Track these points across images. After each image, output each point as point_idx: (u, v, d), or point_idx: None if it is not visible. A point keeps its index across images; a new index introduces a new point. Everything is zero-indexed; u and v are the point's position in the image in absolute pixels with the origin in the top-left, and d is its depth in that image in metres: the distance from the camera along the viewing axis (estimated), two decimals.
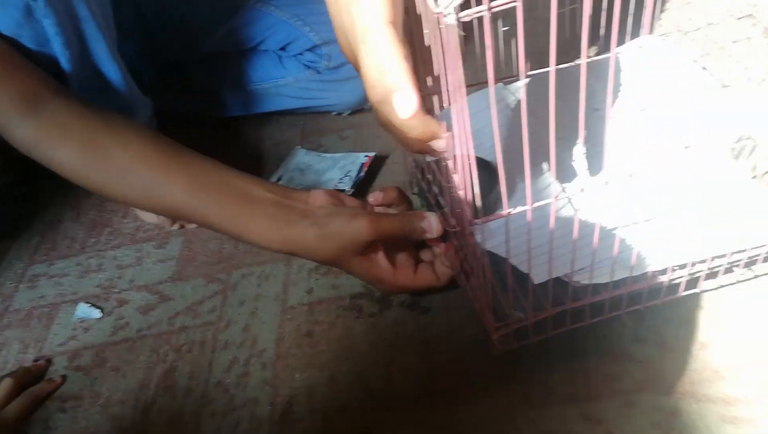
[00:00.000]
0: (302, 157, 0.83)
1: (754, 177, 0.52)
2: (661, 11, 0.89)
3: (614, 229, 0.57)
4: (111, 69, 0.68)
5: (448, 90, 0.38)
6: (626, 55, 0.76)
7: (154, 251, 0.77)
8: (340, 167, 0.78)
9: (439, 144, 0.41)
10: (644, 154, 0.63)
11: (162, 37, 0.88)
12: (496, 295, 0.51)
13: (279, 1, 0.86)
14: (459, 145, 0.38)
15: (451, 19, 0.29)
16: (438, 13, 0.30)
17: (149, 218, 0.80)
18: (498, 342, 0.52)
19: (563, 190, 0.53)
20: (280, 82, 0.87)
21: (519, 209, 0.43)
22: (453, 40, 0.30)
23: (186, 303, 0.70)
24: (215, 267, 0.73)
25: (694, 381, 0.52)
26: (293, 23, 0.85)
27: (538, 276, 0.51)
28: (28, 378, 0.64)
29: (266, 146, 0.89)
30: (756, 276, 0.57)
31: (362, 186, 0.76)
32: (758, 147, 0.51)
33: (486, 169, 0.56)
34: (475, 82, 0.65)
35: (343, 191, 0.74)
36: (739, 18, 0.84)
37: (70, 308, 0.72)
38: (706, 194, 0.56)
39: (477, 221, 0.42)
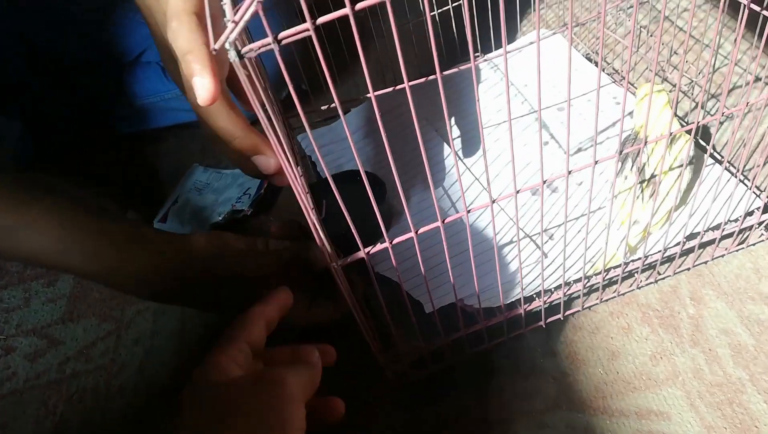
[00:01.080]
0: (200, 175, 0.78)
1: (642, 182, 0.50)
2: (548, 6, 0.88)
3: (504, 247, 0.55)
4: None
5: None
6: (518, 51, 0.74)
7: (42, 289, 0.71)
8: (239, 185, 0.73)
9: (265, 162, 0.38)
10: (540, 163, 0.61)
11: (42, 41, 0.80)
12: (387, 325, 0.48)
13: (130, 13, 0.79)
14: (287, 171, 0.33)
15: (232, 56, 0.25)
16: (213, 50, 0.26)
17: None
18: (392, 373, 0.49)
19: (451, 208, 0.50)
20: (166, 96, 0.81)
21: (399, 238, 0.39)
22: (243, 79, 0.26)
23: (77, 346, 0.64)
24: (108, 304, 0.67)
25: (607, 394, 0.50)
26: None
27: (428, 305, 0.48)
28: None
29: (163, 163, 0.83)
30: (660, 277, 0.56)
31: (262, 205, 0.71)
32: (642, 152, 0.49)
33: (374, 184, 0.52)
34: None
35: (241, 211, 0.69)
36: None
37: None
38: (595, 205, 0.54)
39: (335, 264, 0.38)
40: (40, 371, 0.63)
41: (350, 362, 0.55)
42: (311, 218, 0.35)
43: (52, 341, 0.65)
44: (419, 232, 0.40)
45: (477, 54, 0.76)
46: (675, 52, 0.74)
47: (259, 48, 0.25)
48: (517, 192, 0.39)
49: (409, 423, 0.51)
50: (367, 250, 0.37)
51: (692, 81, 0.67)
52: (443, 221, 0.38)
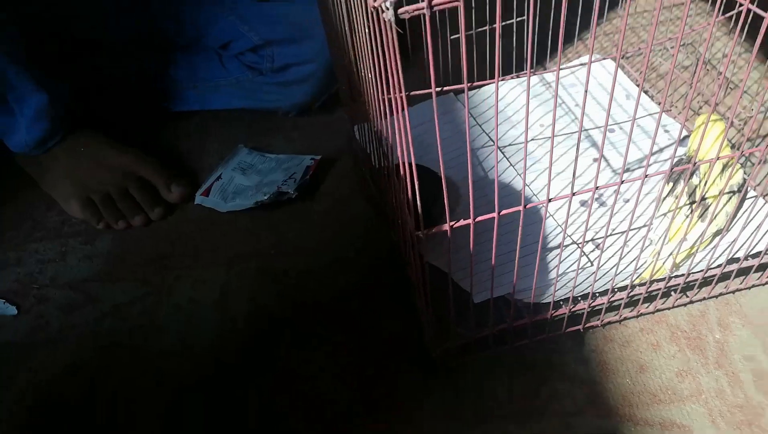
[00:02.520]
0: (245, 156, 0.80)
1: (690, 203, 0.53)
2: (605, 34, 0.91)
3: (556, 249, 0.57)
4: None
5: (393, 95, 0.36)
6: (571, 72, 0.77)
7: (80, 246, 0.72)
8: (285, 169, 0.75)
9: None
10: (593, 175, 0.64)
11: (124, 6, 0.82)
12: (439, 309, 0.50)
13: None
14: (400, 153, 0.36)
15: (389, 15, 0.27)
16: (376, 8, 0.29)
17: (75, 212, 0.75)
18: (438, 357, 0.52)
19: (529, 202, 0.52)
20: (221, 82, 0.84)
21: (461, 222, 0.42)
22: (391, 38, 0.29)
23: (113, 304, 0.65)
24: (148, 268, 0.69)
25: (633, 404, 0.53)
26: (232, 21, 0.81)
27: (479, 295, 0.51)
28: None
29: (209, 142, 0.85)
30: (691, 302, 0.58)
31: (307, 190, 0.74)
32: (696, 175, 0.52)
33: (432, 179, 0.55)
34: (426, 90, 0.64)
35: (286, 193, 0.71)
36: (680, 45, 0.86)
37: None
38: (645, 219, 0.57)
39: (419, 232, 0.41)
40: (75, 323, 0.64)
41: (393, 345, 0.58)
42: (410, 193, 0.37)
43: (87, 296, 0.67)
44: (477, 220, 0.42)
45: (532, 69, 0.79)
46: (730, 88, 0.78)
47: (413, 11, 0.28)
48: (573, 194, 0.42)
49: (451, 412, 0.53)
50: (450, 223, 0.39)
51: (745, 116, 0.71)
52: (525, 206, 0.40)
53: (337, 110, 0.84)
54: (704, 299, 0.59)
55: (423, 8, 0.28)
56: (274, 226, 0.72)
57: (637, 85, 0.76)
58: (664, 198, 0.56)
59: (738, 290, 0.59)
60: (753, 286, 0.59)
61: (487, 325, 0.51)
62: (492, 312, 0.49)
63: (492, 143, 0.71)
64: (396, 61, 0.32)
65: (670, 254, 0.53)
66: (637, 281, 0.53)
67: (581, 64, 0.76)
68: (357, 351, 0.58)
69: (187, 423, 0.55)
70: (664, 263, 0.54)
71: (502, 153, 0.69)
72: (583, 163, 0.66)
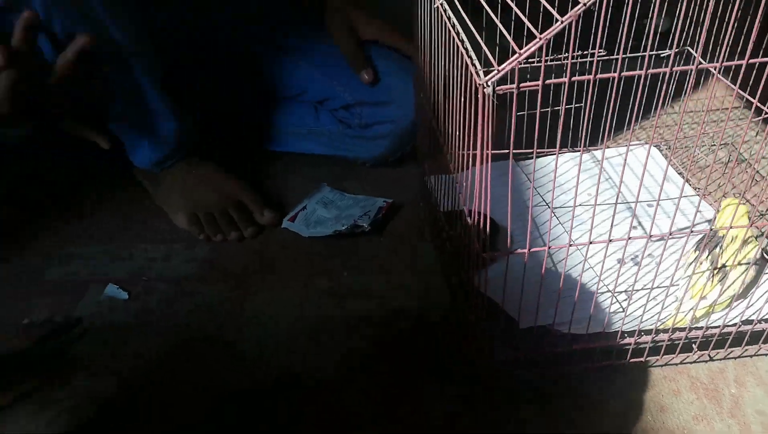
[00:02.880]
0: (327, 193, 0.92)
1: (714, 269, 0.62)
2: (653, 126, 1.02)
3: (593, 288, 0.66)
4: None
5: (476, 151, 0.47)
6: (619, 154, 0.88)
7: (182, 251, 0.85)
8: (361, 207, 0.87)
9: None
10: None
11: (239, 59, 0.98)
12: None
13: (316, 59, 0.96)
14: (476, 199, 0.47)
15: (489, 91, 0.38)
16: (480, 85, 0.40)
17: (182, 223, 0.87)
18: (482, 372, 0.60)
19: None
20: (315, 131, 0.97)
21: (518, 250, 0.52)
22: (489, 108, 0.40)
23: (206, 302, 0.77)
24: (237, 276, 0.80)
25: None
26: (329, 83, 0.96)
27: (525, 322, 0.60)
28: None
29: (295, 178, 0.98)
30: (711, 359, 0.66)
31: (379, 227, 0.85)
32: (719, 246, 0.61)
33: (492, 223, 0.65)
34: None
35: (361, 226, 0.83)
36: (720, 145, 0.96)
37: (100, 287, 0.78)
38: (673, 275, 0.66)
39: (485, 254, 0.51)
40: (172, 313, 0.75)
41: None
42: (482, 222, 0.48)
43: (184, 292, 0.78)
44: (530, 251, 0.52)
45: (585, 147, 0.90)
46: (756, 180, 0.87)
47: (506, 89, 0.39)
48: (610, 241, 0.51)
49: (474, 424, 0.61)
50: (528, 249, 0.50)
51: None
52: (569, 244, 0.50)
53: (407, 164, 0.96)
54: (724, 358, 0.66)
55: (513, 88, 0.39)
56: (346, 253, 0.83)
57: (679, 174, 0.86)
58: (690, 263, 0.65)
59: (756, 354, 0.66)
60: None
61: (527, 348, 0.60)
62: (534, 337, 0.58)
63: (545, 205, 0.81)
64: (490, 125, 0.43)
65: (691, 308, 0.61)
66: (661, 327, 0.61)
67: (619, 154, 0.87)
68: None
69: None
70: (685, 315, 0.62)
71: (554, 214, 0.79)
72: (622, 229, 0.76)
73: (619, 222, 0.77)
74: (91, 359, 0.69)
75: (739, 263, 0.58)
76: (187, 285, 0.79)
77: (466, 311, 0.60)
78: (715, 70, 0.49)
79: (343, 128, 0.97)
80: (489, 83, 0.39)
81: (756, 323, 0.62)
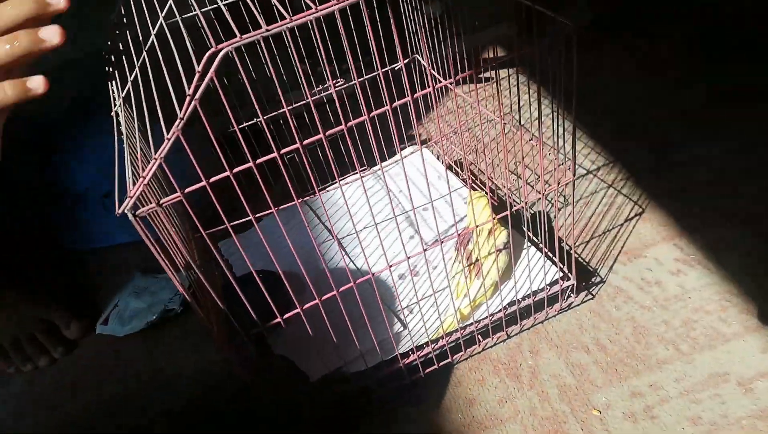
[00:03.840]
0: (139, 280, 0.90)
1: (468, 265, 0.65)
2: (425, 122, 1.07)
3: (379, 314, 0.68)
4: None
5: None
6: (395, 163, 0.91)
7: None
8: (172, 287, 0.86)
9: None
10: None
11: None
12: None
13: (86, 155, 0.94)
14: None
15: (131, 217, 0.39)
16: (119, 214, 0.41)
17: None
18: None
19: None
20: (107, 221, 0.95)
21: (287, 314, 0.53)
22: (140, 231, 0.40)
23: None
24: (52, 408, 0.77)
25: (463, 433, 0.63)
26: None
27: (316, 373, 0.61)
28: None
29: (106, 273, 0.95)
30: (508, 337, 0.70)
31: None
32: (470, 242, 0.65)
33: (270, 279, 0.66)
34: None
35: (172, 309, 0.82)
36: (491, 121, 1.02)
37: None
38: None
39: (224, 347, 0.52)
40: None
41: None
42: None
43: None
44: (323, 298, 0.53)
45: (363, 168, 0.93)
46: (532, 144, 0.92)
47: (147, 210, 0.40)
48: (390, 266, 0.53)
49: None
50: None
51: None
52: (356, 282, 0.52)
53: None
54: (519, 332, 0.70)
55: (154, 207, 0.40)
56: (166, 342, 0.81)
57: (450, 168, 0.90)
58: (453, 264, 0.69)
59: (546, 319, 0.71)
60: (555, 316, 0.71)
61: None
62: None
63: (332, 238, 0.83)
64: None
65: (457, 309, 0.65)
66: (433, 336, 0.64)
67: (396, 161, 0.90)
68: None
69: None
70: (453, 318, 0.65)
71: (340, 245, 0.81)
72: (403, 239, 0.78)
73: (407, 236, 0.80)
74: None
75: (489, 253, 0.62)
76: (6, 428, 0.76)
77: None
78: (452, 85, 0.51)
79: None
80: (127, 211, 0.39)
81: (519, 303, 0.66)
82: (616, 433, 0.60)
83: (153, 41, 0.46)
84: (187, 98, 0.37)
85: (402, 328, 0.67)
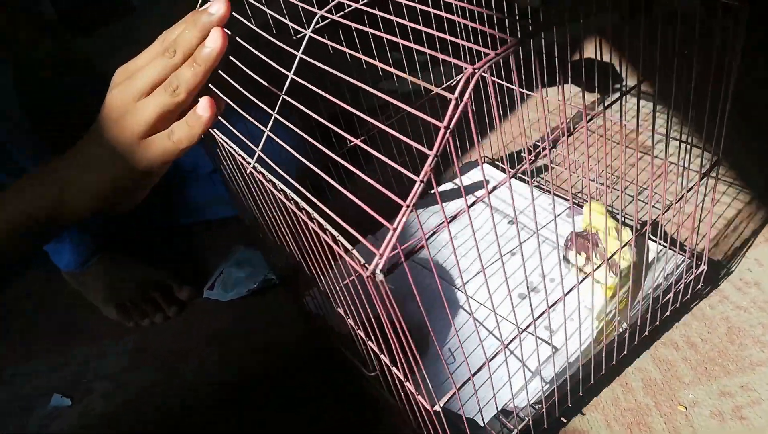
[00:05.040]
0: (242, 253, 0.97)
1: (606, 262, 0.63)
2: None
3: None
4: None
5: None
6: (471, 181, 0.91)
7: (113, 346, 0.90)
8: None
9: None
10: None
11: None
12: None
13: None
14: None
15: (381, 277, 0.37)
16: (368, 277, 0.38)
17: (112, 315, 0.93)
18: None
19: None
20: (218, 198, 1.02)
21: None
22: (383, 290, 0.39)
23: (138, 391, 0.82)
24: (163, 360, 0.86)
25: None
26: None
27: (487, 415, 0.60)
28: None
29: (211, 246, 1.02)
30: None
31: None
32: (599, 244, 0.63)
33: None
34: None
35: (272, 279, 0.88)
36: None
37: (45, 400, 0.83)
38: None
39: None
40: (113, 409, 0.80)
41: None
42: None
43: (119, 384, 0.83)
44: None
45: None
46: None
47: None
48: (522, 330, 0.53)
49: None
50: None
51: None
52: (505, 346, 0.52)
53: None
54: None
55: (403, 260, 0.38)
56: (264, 309, 0.88)
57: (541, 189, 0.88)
58: (583, 267, 0.65)
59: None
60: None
61: None
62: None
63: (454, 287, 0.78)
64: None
65: (610, 310, 0.63)
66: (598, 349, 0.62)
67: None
68: None
69: None
70: (612, 319, 0.63)
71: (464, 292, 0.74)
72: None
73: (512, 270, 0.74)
74: None
75: (621, 247, 0.60)
76: (122, 378, 0.84)
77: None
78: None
79: None
80: (378, 272, 0.37)
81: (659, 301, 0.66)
82: (701, 430, 0.60)
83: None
84: (442, 130, 0.34)
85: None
